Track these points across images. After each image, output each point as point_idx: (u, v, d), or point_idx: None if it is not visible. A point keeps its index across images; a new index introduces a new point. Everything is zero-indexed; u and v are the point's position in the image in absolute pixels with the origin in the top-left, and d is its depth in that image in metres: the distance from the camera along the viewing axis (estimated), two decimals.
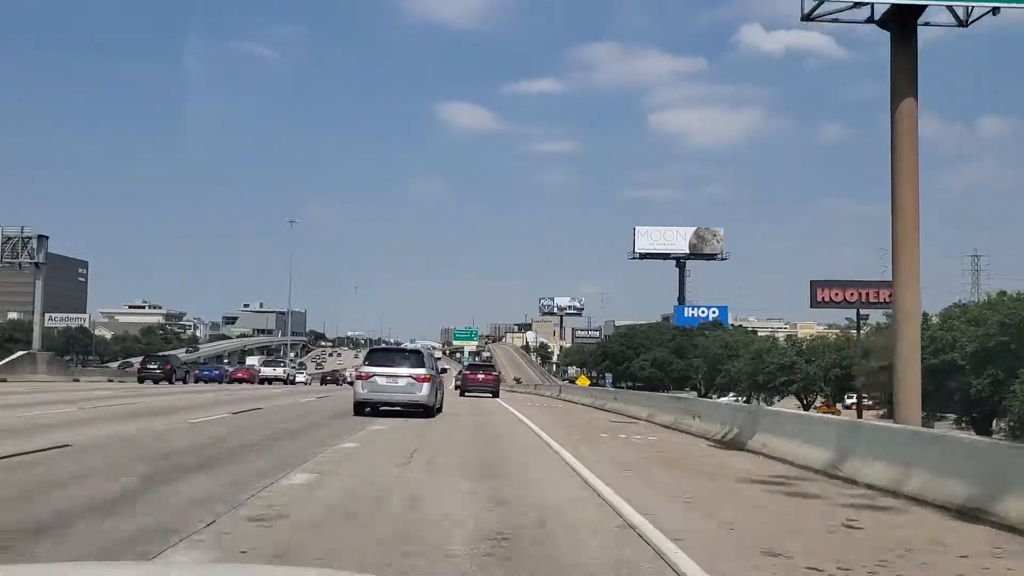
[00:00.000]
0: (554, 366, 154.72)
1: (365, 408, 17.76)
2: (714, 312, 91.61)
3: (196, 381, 44.56)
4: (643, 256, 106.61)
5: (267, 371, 52.58)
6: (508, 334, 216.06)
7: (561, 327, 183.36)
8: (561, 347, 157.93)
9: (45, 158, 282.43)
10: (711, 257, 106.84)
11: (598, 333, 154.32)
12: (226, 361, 72.87)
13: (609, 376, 62.31)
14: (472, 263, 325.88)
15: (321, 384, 65.06)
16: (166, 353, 59.25)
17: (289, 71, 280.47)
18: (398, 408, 17.92)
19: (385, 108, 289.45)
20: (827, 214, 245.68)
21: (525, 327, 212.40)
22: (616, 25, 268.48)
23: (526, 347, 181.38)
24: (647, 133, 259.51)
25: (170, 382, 39.74)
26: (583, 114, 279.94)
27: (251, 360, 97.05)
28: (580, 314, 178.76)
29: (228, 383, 46.10)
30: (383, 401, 17.80)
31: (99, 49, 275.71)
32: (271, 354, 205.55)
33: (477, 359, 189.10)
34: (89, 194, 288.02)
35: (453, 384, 43.98)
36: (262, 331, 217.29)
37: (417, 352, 19.46)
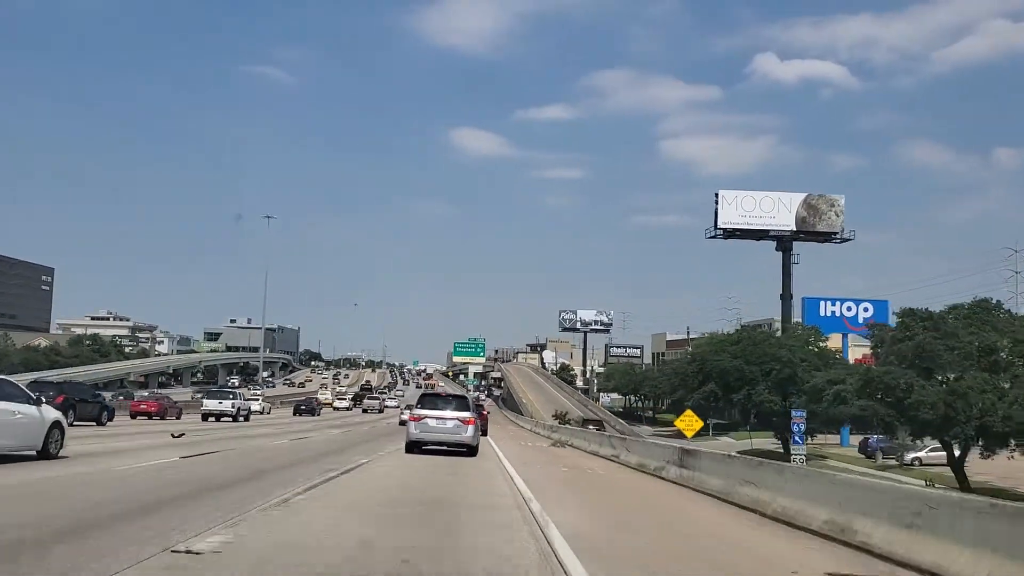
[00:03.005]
0: (578, 391, 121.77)
1: (416, 447, 19.28)
2: (865, 309, 59.48)
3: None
4: (730, 234, 74.34)
5: (211, 404, 41.00)
6: (519, 354, 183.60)
7: (585, 345, 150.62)
8: (590, 368, 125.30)
9: (40, 167, 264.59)
10: (827, 237, 74.54)
11: (639, 352, 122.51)
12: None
13: (799, 419, 29.91)
14: (479, 287, 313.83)
15: (294, 413, 55.40)
16: (60, 378, 33.27)
17: (299, 94, 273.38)
18: (444, 447, 19.22)
19: (396, 132, 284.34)
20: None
21: (537, 347, 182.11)
22: (628, 53, 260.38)
23: (542, 366, 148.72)
24: (658, 161, 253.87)
25: None
26: (593, 141, 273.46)
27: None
28: (607, 331, 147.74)
29: (130, 417, 35.16)
30: (433, 441, 19.31)
31: (94, 59, 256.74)
32: (241, 374, 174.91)
33: (483, 383, 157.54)
34: (77, 206, 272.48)
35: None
36: (246, 348, 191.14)
37: (463, 397, 21.52)
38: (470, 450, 19.24)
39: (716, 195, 74.29)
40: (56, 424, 13.52)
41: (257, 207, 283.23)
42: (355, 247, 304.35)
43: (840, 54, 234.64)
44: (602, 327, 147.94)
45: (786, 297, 71.10)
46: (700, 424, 33.53)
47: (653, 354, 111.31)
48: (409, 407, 61.89)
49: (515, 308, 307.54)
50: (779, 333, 48.24)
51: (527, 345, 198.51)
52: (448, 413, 19.27)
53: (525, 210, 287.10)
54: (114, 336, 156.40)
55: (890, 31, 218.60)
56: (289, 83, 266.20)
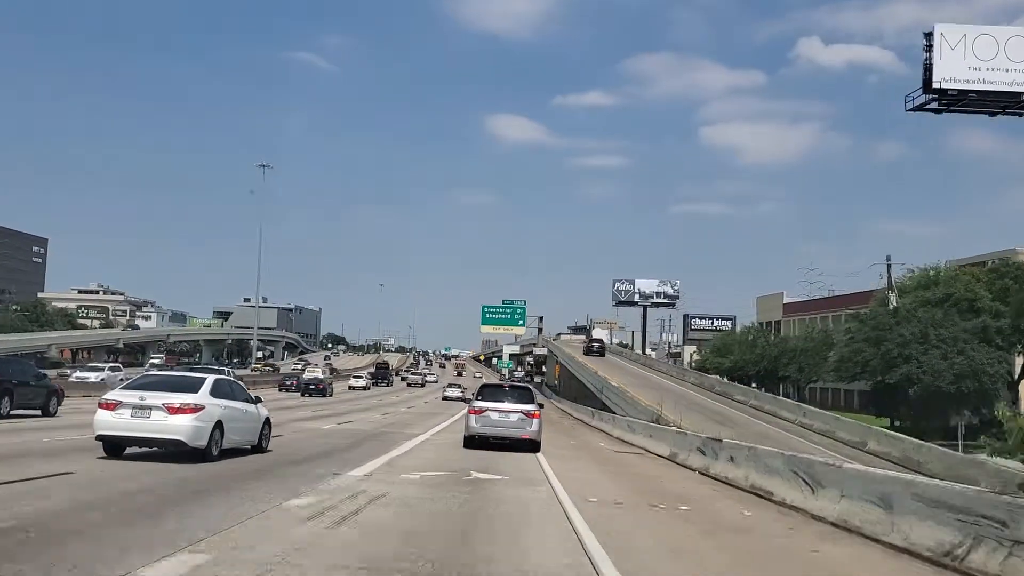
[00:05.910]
0: (686, 370, 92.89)
1: (475, 442, 18.34)
2: None
3: None
4: (952, 100, 44.10)
5: None
6: (561, 336, 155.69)
7: (644, 321, 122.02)
8: (667, 348, 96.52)
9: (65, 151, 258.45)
10: None
11: (729, 324, 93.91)
12: None
13: None
14: (516, 275, 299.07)
15: (301, 395, 50.94)
16: None
17: (338, 80, 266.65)
18: (506, 441, 18.13)
19: (433, 119, 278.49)
20: (883, 235, 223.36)
21: (586, 327, 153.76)
22: (670, 37, 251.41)
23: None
24: (700, 148, 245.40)
25: None
26: (634, 127, 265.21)
27: None
28: (673, 304, 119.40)
29: None
30: (494, 435, 18.31)
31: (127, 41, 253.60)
32: (237, 355, 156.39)
33: (519, 368, 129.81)
34: (101, 183, 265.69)
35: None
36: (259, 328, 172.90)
37: (526, 389, 20.06)
38: (533, 446, 18.33)
39: (927, 36, 43.97)
40: (267, 421, 15.58)
41: (293, 193, 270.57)
42: (390, 233, 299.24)
43: (887, 39, 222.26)
44: (666, 300, 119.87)
45: None
46: None
47: (760, 323, 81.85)
48: (451, 385, 54.53)
49: (555, 296, 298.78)
50: None
51: (568, 327, 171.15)
52: (510, 406, 18.51)
53: (564, 198, 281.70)
54: (79, 307, 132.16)
55: (939, 15, 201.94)
56: (327, 69, 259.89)
